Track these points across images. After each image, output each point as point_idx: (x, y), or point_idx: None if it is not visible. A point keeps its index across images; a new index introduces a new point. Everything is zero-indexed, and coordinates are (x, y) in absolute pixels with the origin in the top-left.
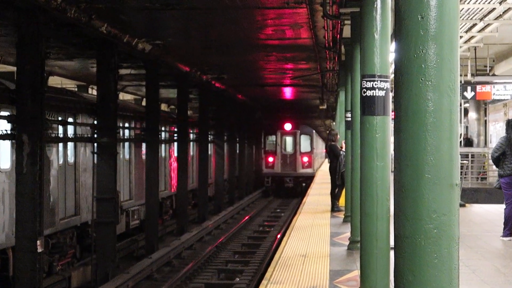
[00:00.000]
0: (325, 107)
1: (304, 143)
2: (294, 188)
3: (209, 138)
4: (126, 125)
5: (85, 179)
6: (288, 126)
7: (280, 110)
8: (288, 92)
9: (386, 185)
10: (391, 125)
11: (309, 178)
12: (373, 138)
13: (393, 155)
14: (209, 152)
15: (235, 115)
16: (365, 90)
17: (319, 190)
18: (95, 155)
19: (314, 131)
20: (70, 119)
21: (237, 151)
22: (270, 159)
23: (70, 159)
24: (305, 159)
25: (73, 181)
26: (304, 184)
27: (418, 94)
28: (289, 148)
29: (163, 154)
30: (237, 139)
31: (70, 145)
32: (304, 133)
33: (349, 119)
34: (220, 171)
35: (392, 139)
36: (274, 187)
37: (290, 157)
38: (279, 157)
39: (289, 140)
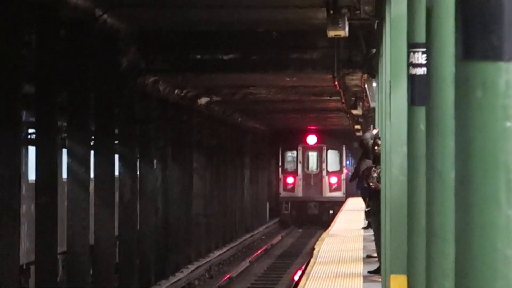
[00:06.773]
0: (343, 33)
1: (332, 160)
2: (319, 216)
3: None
4: None
5: None
6: (312, 140)
7: (214, 41)
8: None
9: None
10: None
11: (338, 204)
12: (498, 128)
13: None
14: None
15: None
16: None
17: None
18: None
19: (344, 146)
20: None
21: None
22: (290, 179)
23: None
24: (333, 180)
25: None
26: (331, 212)
27: None
28: (313, 166)
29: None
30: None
31: None
32: (332, 148)
33: (422, 71)
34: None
35: None
36: (294, 215)
37: (314, 177)
38: (301, 177)
39: (313, 156)
